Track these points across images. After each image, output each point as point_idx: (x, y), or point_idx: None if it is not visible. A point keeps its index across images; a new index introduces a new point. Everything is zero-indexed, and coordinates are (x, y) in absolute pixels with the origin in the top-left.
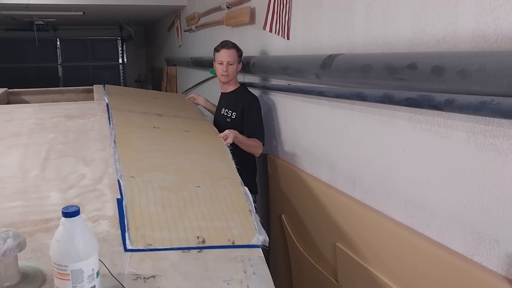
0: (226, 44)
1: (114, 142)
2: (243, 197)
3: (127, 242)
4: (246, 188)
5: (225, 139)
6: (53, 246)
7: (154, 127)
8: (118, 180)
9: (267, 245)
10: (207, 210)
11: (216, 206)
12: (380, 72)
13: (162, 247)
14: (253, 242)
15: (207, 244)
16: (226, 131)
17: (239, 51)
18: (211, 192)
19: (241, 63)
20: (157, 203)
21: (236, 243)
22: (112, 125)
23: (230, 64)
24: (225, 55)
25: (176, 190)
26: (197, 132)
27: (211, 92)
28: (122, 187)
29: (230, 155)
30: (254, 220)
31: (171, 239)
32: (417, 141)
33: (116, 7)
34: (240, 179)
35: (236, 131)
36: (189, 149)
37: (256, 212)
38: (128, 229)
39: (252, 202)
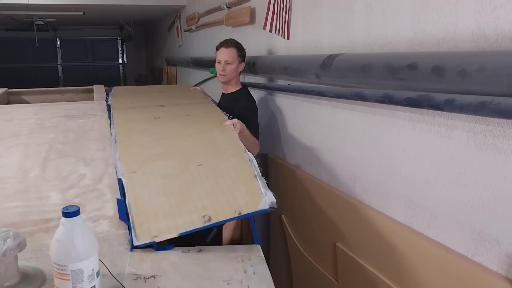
0: (226, 43)
1: (115, 140)
2: (247, 164)
3: (134, 239)
4: (250, 154)
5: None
6: (53, 246)
7: (155, 117)
8: (119, 179)
9: (276, 206)
10: (210, 187)
11: (220, 180)
12: (380, 72)
13: (169, 236)
14: (260, 207)
15: (213, 221)
16: (235, 120)
17: (240, 50)
18: (213, 167)
19: (243, 63)
20: (159, 193)
21: (243, 213)
22: (113, 124)
23: (228, 64)
24: (223, 54)
25: (178, 175)
26: (199, 114)
27: (211, 92)
28: (124, 185)
29: (232, 127)
30: (260, 184)
31: (177, 225)
32: (417, 141)
33: (116, 7)
34: (244, 146)
35: (244, 124)
36: (190, 131)
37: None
38: (133, 227)
39: (257, 166)
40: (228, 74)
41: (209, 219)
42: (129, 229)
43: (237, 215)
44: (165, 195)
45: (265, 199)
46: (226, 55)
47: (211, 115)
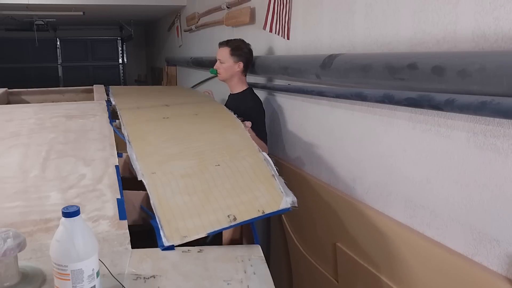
0: (221, 42)
1: (129, 142)
2: (263, 163)
3: (163, 239)
4: (265, 154)
5: None
6: (53, 246)
7: (164, 117)
8: (141, 180)
9: (297, 205)
10: (231, 187)
11: (239, 180)
12: (380, 72)
13: (197, 236)
14: (282, 206)
15: (238, 220)
16: (246, 122)
17: (235, 49)
18: (232, 167)
19: (239, 63)
20: (182, 192)
21: (266, 212)
22: (123, 125)
23: (221, 63)
24: (218, 53)
25: (198, 174)
26: (206, 113)
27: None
28: (146, 186)
29: (242, 126)
30: (278, 184)
31: (203, 225)
32: (417, 141)
33: (116, 7)
34: (257, 146)
35: (250, 127)
36: (202, 130)
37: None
38: (161, 227)
39: (273, 166)
40: (222, 73)
41: (234, 219)
42: (156, 229)
43: (260, 214)
44: (188, 194)
45: (286, 198)
46: (219, 54)
47: (219, 114)
